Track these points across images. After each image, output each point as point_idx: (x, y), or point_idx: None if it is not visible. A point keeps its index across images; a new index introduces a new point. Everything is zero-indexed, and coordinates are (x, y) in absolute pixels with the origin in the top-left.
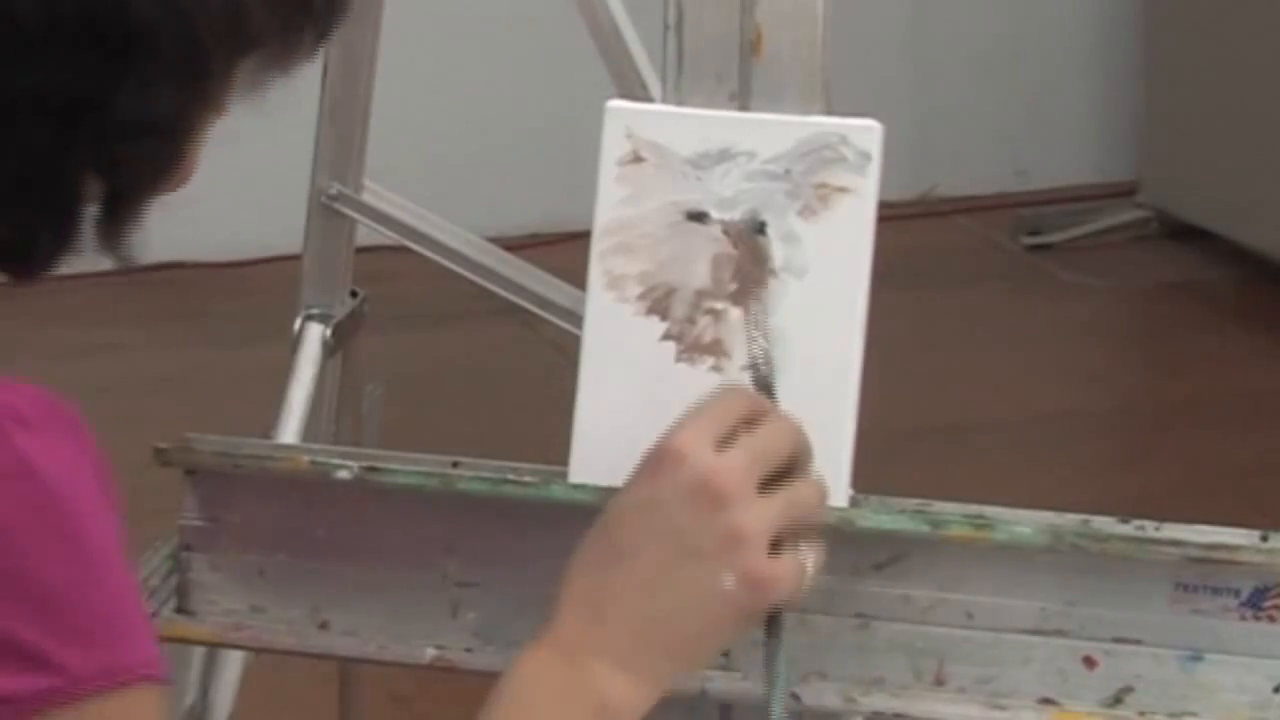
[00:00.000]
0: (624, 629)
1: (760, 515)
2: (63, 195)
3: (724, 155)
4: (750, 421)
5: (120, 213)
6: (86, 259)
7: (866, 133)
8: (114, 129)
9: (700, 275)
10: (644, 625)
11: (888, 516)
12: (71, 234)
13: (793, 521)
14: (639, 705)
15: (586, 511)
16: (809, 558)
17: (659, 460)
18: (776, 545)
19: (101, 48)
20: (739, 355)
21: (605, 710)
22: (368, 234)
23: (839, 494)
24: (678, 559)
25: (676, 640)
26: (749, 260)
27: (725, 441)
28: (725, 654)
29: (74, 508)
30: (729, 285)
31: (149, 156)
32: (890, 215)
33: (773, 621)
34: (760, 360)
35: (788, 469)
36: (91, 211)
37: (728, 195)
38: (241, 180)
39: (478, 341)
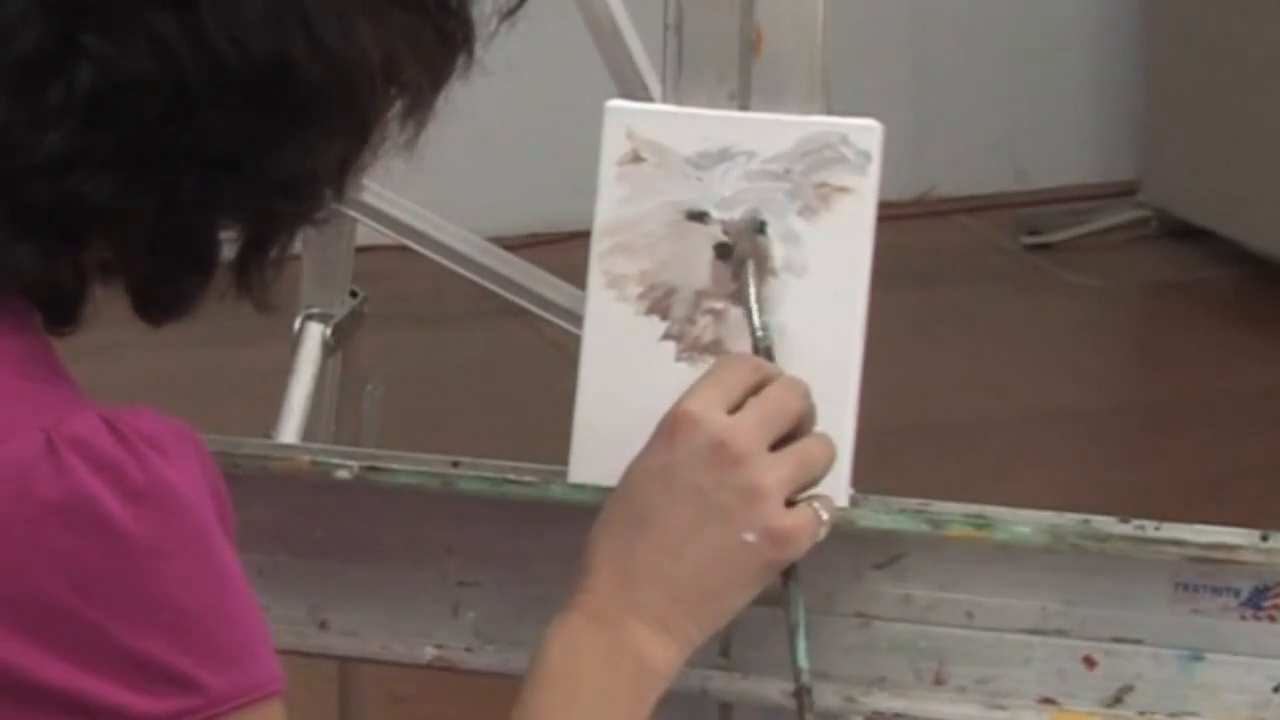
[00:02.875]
0: (654, 590)
1: (775, 471)
2: (211, 244)
3: (724, 155)
4: (757, 385)
5: (262, 256)
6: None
7: (866, 132)
8: (275, 181)
9: (700, 275)
10: (673, 585)
11: (888, 516)
12: (212, 277)
13: (805, 476)
14: (675, 662)
15: (586, 511)
16: (823, 510)
17: (673, 426)
18: (791, 501)
19: (265, 104)
20: (739, 351)
21: (645, 669)
22: (368, 234)
23: (839, 494)
24: (700, 518)
25: (705, 597)
26: (746, 255)
27: (735, 405)
28: (725, 654)
29: (207, 530)
30: (729, 285)
31: (301, 208)
32: (890, 215)
33: (790, 571)
34: (760, 329)
35: (796, 428)
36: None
37: (728, 195)
38: None
39: (478, 341)
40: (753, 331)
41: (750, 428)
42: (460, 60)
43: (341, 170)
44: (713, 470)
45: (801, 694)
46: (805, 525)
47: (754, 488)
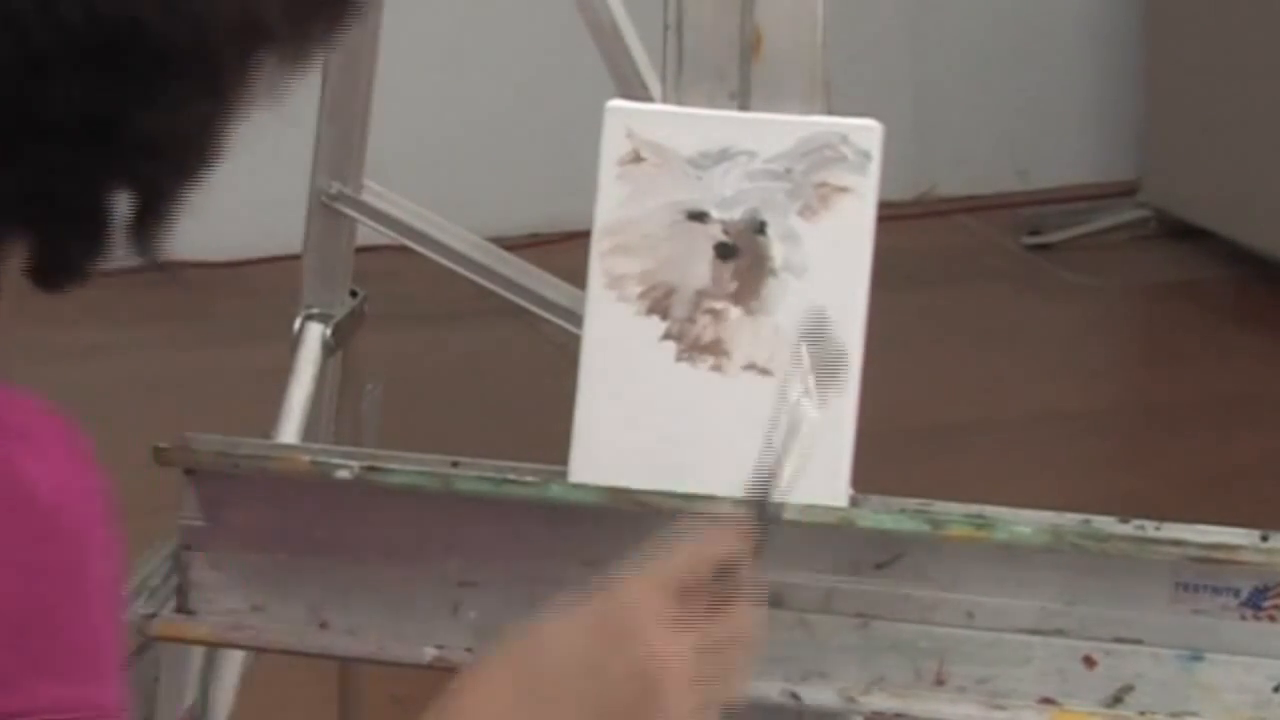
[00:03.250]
0: None
1: (690, 714)
2: (91, 209)
3: (724, 155)
4: (719, 572)
5: (149, 220)
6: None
7: (866, 132)
8: (139, 144)
9: (700, 275)
10: None
11: (888, 516)
12: (101, 244)
13: (716, 683)
14: None
15: (586, 511)
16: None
17: (607, 622)
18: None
19: (119, 67)
20: (739, 355)
21: None
22: (368, 234)
23: (839, 494)
24: None
25: None
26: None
27: (680, 610)
28: None
29: (75, 537)
30: (729, 285)
31: (175, 167)
32: (890, 215)
33: None
34: (763, 484)
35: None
36: (121, 219)
37: (728, 195)
38: (241, 180)
39: (478, 341)
40: (753, 485)
41: (681, 666)
42: (334, 20)
43: (208, 129)
44: (631, 695)
45: None
46: None
47: None
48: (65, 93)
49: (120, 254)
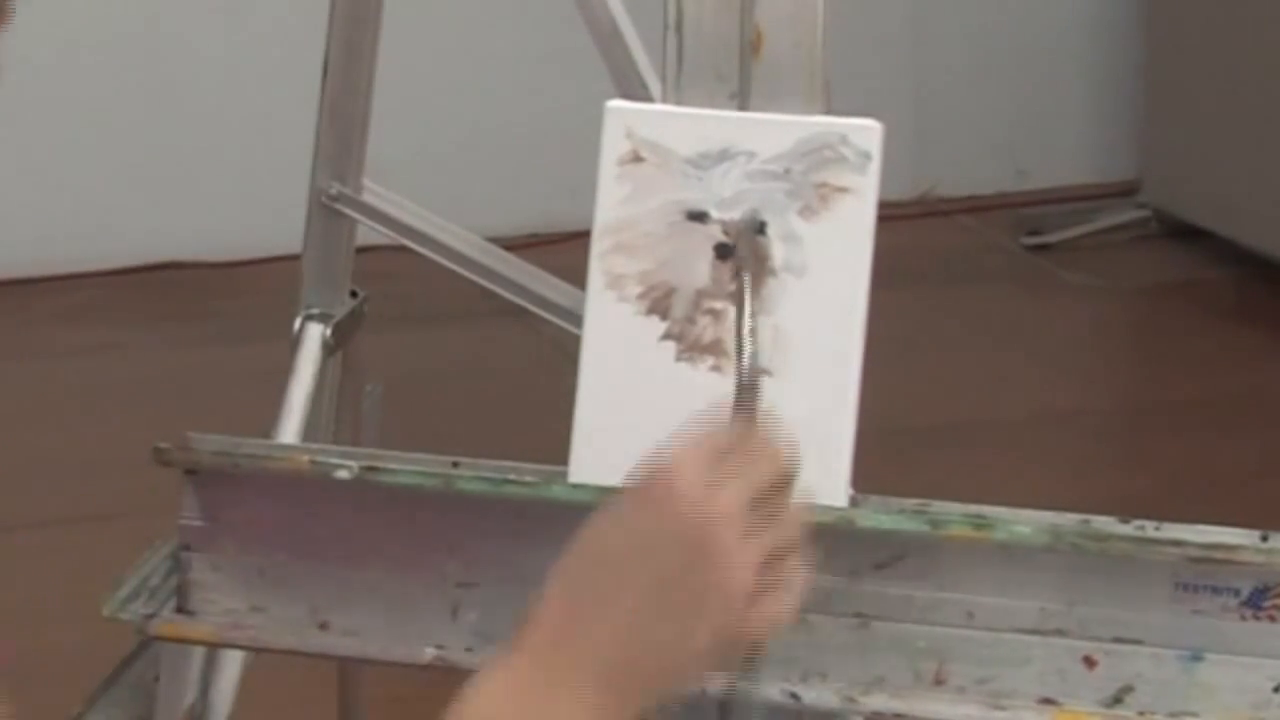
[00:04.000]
0: (592, 667)
1: (747, 572)
2: None
3: (724, 155)
4: (742, 447)
5: None
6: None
7: (866, 132)
8: None
9: (700, 275)
10: (614, 667)
11: (888, 516)
12: None
13: (778, 555)
14: None
15: (586, 511)
16: (792, 596)
17: (652, 493)
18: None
19: None
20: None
21: None
22: (368, 234)
23: (839, 494)
24: (659, 612)
25: (643, 683)
26: (748, 260)
27: (717, 470)
28: None
29: None
30: (729, 285)
31: None
32: (890, 215)
33: (750, 658)
34: (747, 368)
35: (775, 489)
36: None
37: (728, 195)
38: (241, 180)
39: (478, 341)
40: (741, 371)
41: (729, 513)
42: None
43: None
44: (683, 557)
45: None
46: (767, 624)
47: (722, 590)
48: None
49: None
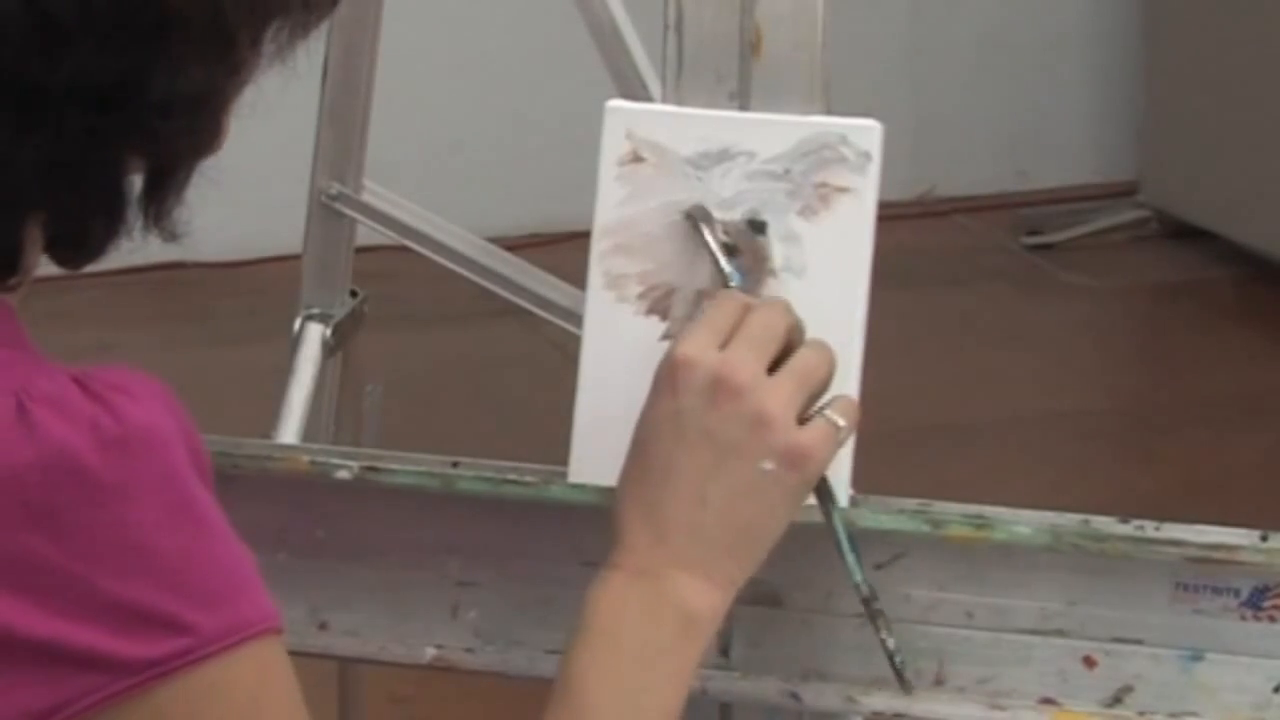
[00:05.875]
0: (687, 538)
1: (777, 393)
2: (108, 178)
3: (724, 155)
4: (742, 316)
5: (164, 188)
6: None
7: (866, 132)
8: (151, 109)
9: (700, 275)
10: (704, 530)
11: (888, 516)
12: (121, 215)
13: (808, 389)
14: (720, 607)
15: (586, 511)
16: (838, 417)
17: (671, 372)
18: (803, 418)
19: (134, 34)
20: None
21: (690, 618)
22: (368, 234)
23: (839, 494)
24: (715, 458)
25: (738, 535)
26: (702, 213)
27: (726, 341)
28: (725, 654)
29: (179, 472)
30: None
31: (186, 131)
32: (890, 215)
33: (821, 488)
34: (729, 273)
35: (788, 345)
36: (136, 191)
37: (728, 195)
38: (241, 180)
39: (478, 341)
40: (723, 279)
41: (744, 357)
42: None
43: (219, 94)
44: (717, 407)
45: (869, 605)
46: (820, 439)
47: (760, 415)
48: (81, 60)
49: (135, 227)
